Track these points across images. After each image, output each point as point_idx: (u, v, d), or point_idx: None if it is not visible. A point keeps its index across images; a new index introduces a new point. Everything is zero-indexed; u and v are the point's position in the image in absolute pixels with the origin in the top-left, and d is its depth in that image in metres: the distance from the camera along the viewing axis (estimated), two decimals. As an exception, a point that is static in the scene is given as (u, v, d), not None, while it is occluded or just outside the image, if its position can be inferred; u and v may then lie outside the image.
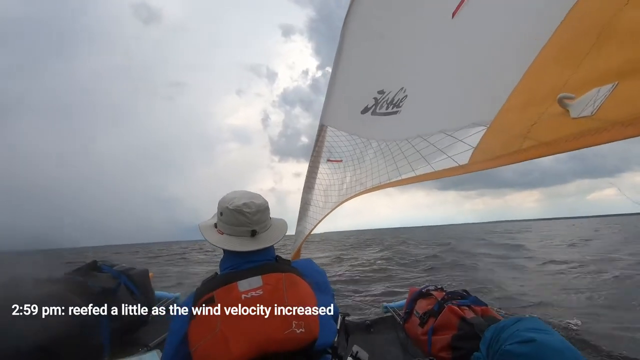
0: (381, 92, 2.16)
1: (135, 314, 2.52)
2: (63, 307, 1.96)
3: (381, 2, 2.14)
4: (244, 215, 1.04)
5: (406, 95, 1.80)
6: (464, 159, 0.95)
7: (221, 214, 1.08)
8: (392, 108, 1.94)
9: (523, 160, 0.66)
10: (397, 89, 1.95)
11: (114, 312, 2.29)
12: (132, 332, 2.55)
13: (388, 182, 1.59)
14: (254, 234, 1.06)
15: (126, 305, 2.44)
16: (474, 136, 0.92)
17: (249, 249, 1.03)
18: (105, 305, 2.23)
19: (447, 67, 1.38)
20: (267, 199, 1.17)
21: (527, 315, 1.78)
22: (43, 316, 1.83)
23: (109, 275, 2.46)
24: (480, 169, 0.84)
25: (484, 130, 0.87)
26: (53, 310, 1.91)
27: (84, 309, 2.06)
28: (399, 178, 1.44)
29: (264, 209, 1.08)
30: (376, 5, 2.21)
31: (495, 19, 1.04)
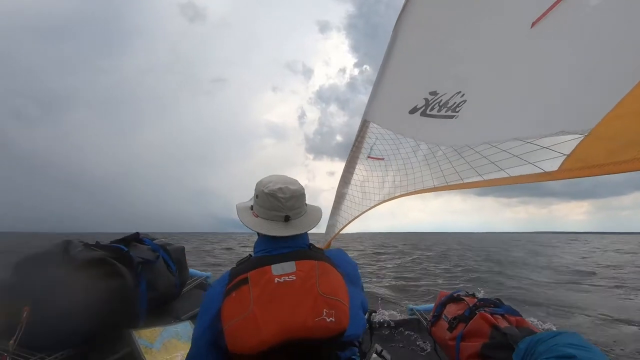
0: (434, 93, 2.13)
1: (170, 287, 2.63)
2: (108, 271, 2.06)
3: (446, 4, 2.12)
4: (278, 200, 1.04)
5: (465, 100, 1.78)
6: (550, 166, 0.94)
7: (257, 196, 1.09)
8: (447, 111, 1.92)
9: (639, 170, 0.65)
10: (453, 92, 1.93)
11: (152, 282, 2.39)
12: (165, 303, 2.64)
13: (445, 185, 1.59)
14: (287, 219, 1.06)
15: (162, 278, 2.54)
16: (564, 144, 0.92)
17: (281, 234, 1.04)
18: (145, 275, 2.33)
19: (523, 76, 1.34)
20: None
21: (568, 330, 1.75)
22: (90, 277, 1.94)
23: (149, 247, 2.55)
24: (574, 176, 0.83)
25: (580, 138, 0.86)
26: (100, 273, 2.02)
27: (126, 276, 2.15)
28: (460, 182, 1.44)
29: (298, 195, 1.07)
30: (439, 6, 2.19)
31: (596, 28, 1.02)
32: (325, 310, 0.89)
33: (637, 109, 0.73)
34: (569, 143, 0.91)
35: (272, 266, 0.94)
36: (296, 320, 0.88)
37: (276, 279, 0.92)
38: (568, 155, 0.88)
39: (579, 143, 0.86)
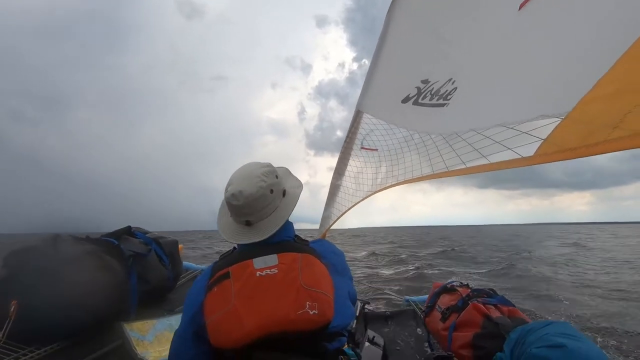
0: (425, 81, 2.10)
1: (163, 280, 2.63)
2: (97, 264, 2.07)
3: None
4: (233, 207, 0.99)
5: (455, 88, 1.75)
6: (527, 151, 0.91)
7: None
8: (438, 100, 1.89)
9: (609, 152, 0.61)
10: (444, 80, 1.89)
11: (143, 275, 2.39)
12: (158, 297, 2.65)
13: (432, 173, 1.57)
14: (248, 223, 1.00)
15: (155, 271, 2.55)
16: (542, 128, 0.89)
17: (240, 242, 1.00)
18: (136, 268, 2.33)
19: (510, 60, 1.31)
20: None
21: (559, 320, 1.74)
22: (79, 270, 1.94)
23: (141, 241, 2.55)
24: (549, 160, 0.80)
25: (557, 122, 0.83)
26: (89, 266, 2.02)
27: (116, 269, 2.15)
28: (445, 170, 1.42)
29: (252, 200, 0.96)
30: None
31: (577, 9, 0.99)
32: (308, 302, 0.88)
33: (611, 91, 0.70)
34: (546, 127, 0.88)
35: (254, 260, 0.93)
36: (279, 313, 0.86)
37: (258, 273, 0.90)
38: (544, 140, 0.86)
39: (556, 127, 0.83)
